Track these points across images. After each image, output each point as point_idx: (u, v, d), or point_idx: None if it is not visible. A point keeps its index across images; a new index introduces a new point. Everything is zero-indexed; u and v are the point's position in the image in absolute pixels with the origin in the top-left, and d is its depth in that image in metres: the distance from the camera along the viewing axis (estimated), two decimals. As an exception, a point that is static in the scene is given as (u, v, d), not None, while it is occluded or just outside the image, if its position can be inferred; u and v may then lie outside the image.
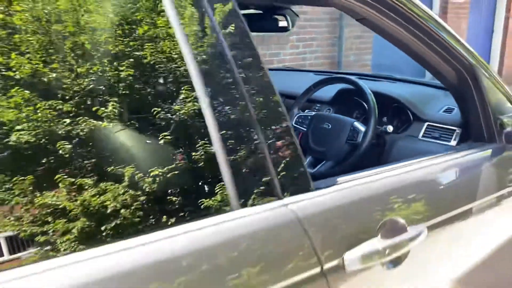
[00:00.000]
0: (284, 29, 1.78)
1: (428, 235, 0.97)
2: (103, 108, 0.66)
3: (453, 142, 1.54)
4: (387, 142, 1.68)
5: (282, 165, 0.81)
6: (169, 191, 0.70)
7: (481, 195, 1.21)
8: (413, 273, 0.98)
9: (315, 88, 1.81)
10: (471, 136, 1.43)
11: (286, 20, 1.81)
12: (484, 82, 1.35)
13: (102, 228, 0.64)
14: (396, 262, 0.92)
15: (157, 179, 0.69)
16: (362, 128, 1.56)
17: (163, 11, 0.73)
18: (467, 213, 1.15)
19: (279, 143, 0.82)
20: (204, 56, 0.76)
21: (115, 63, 0.69)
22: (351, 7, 1.15)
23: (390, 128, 1.58)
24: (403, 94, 1.74)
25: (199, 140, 0.74)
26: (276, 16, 1.82)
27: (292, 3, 1.79)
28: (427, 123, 1.63)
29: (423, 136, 1.62)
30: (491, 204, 1.24)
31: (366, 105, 1.70)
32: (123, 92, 0.69)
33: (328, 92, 1.95)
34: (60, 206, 0.62)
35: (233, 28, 0.80)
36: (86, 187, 0.64)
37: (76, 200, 0.63)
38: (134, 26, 0.72)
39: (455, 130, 1.55)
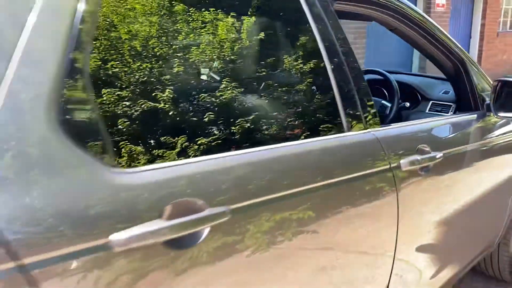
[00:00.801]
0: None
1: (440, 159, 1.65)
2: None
3: (450, 114, 2.23)
4: (403, 116, 2.36)
5: (367, 110, 1.48)
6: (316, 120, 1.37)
7: (472, 140, 1.90)
8: (434, 178, 1.66)
9: None
10: (462, 109, 2.12)
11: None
12: (471, 71, 2.04)
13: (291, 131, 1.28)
14: (426, 169, 1.59)
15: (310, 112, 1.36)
16: (388, 104, 2.23)
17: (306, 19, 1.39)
18: (461, 151, 1.83)
19: (365, 99, 1.48)
20: (325, 40, 1.41)
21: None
22: (387, 21, 1.83)
23: (407, 104, 2.27)
24: (413, 81, 2.44)
25: (328, 91, 1.40)
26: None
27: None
28: (431, 101, 2.33)
29: (429, 110, 2.31)
30: (476, 147, 1.92)
31: (386, 91, 2.39)
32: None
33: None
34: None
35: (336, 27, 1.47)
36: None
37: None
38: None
39: (451, 105, 2.25)
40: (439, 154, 1.64)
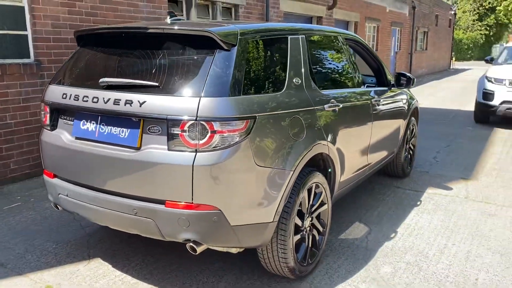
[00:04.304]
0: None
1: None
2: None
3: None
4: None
5: (360, 81, 3.94)
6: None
7: (387, 96, 4.48)
8: (379, 106, 4.18)
9: None
10: (380, 86, 4.70)
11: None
12: (384, 68, 4.64)
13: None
14: (377, 104, 4.10)
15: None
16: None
17: (342, 47, 3.81)
18: (384, 99, 4.39)
19: (360, 78, 3.94)
20: (350, 56, 3.85)
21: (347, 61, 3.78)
22: (354, 47, 4.34)
23: None
24: (357, 75, 5.02)
25: (355, 74, 3.83)
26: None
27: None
28: (366, 84, 4.88)
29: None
30: (388, 99, 4.50)
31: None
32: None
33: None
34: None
35: (349, 49, 3.91)
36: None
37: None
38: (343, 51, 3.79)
39: (375, 85, 4.82)
40: (380, 100, 4.17)
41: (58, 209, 3.09)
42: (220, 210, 2.41)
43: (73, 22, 5.49)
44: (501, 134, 8.18)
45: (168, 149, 2.41)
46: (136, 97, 2.48)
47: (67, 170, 2.84)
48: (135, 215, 2.53)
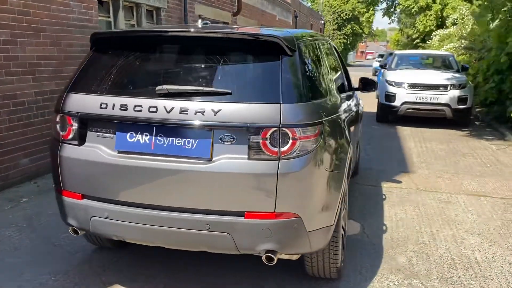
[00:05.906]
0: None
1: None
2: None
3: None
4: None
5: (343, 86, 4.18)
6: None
7: (352, 97, 4.81)
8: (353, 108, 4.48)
9: None
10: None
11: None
12: (349, 74, 4.97)
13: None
14: (356, 105, 4.39)
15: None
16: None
17: (331, 52, 4.00)
18: (350, 100, 4.72)
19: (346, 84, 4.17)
20: (336, 60, 4.05)
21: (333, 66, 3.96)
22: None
23: None
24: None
25: (342, 79, 4.03)
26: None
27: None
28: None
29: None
30: (353, 100, 4.84)
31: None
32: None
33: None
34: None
35: (335, 53, 4.11)
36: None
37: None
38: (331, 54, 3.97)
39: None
40: (358, 102, 4.46)
41: (78, 234, 2.72)
42: (300, 217, 2.39)
43: (5, 22, 4.78)
44: (405, 131, 9.23)
45: (249, 158, 2.31)
46: (209, 105, 2.32)
47: (107, 188, 2.52)
48: (207, 231, 2.37)
